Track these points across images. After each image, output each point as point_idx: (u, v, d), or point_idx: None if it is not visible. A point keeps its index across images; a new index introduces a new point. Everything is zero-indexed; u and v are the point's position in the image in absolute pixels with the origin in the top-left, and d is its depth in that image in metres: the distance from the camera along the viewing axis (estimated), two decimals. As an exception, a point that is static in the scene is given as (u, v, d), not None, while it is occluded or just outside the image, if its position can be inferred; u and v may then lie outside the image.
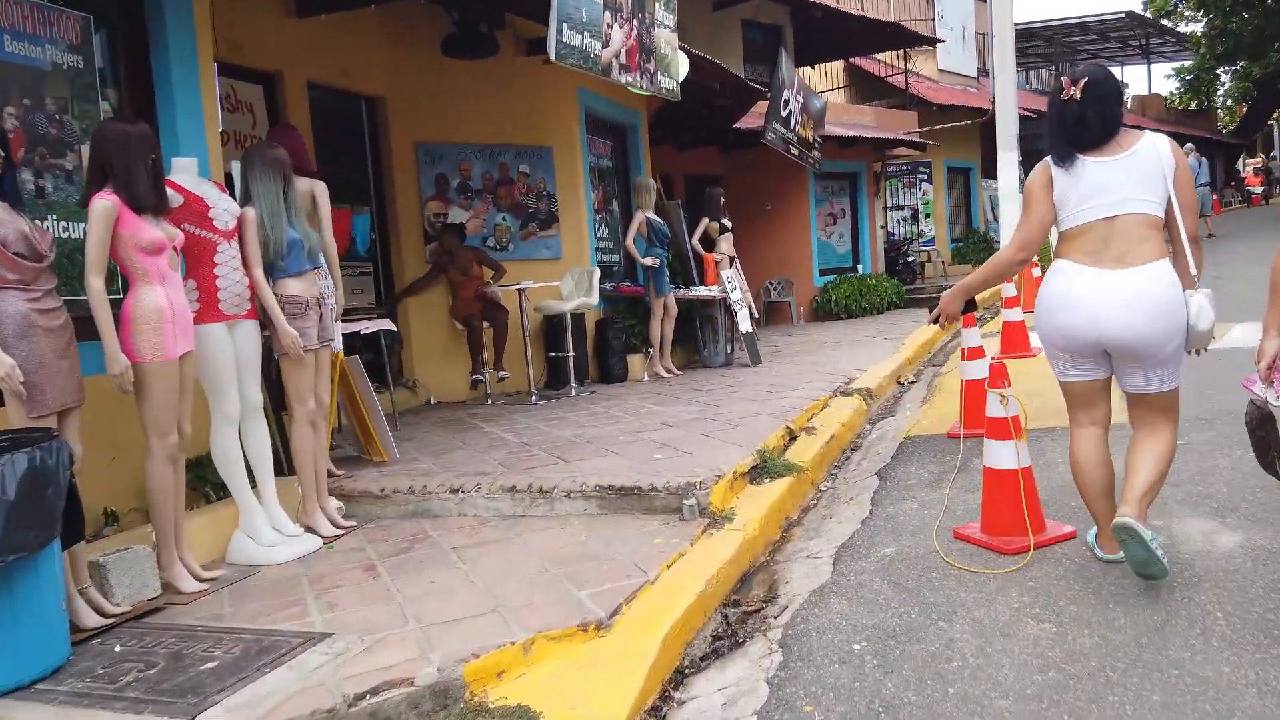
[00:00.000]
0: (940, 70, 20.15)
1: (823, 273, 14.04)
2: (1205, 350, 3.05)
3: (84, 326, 3.33)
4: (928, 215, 18.38)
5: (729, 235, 9.79)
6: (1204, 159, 18.83)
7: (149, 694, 2.62)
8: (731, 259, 9.72)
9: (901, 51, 17.66)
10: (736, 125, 11.30)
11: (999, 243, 15.64)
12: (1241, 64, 26.75)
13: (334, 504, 4.39)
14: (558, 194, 8.13)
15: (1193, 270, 3.01)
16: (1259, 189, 29.33)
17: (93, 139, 3.49)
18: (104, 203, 3.31)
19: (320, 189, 4.59)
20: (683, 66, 7.44)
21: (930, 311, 3.61)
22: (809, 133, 11.43)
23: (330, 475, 4.76)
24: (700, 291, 8.91)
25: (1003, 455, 3.44)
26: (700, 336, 9.11)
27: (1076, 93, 2.97)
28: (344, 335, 5.64)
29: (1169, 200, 2.98)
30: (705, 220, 9.74)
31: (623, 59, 6.35)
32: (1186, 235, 3.00)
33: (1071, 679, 2.45)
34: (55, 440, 2.89)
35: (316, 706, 2.50)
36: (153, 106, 4.44)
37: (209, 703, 2.52)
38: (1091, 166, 2.99)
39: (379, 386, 6.55)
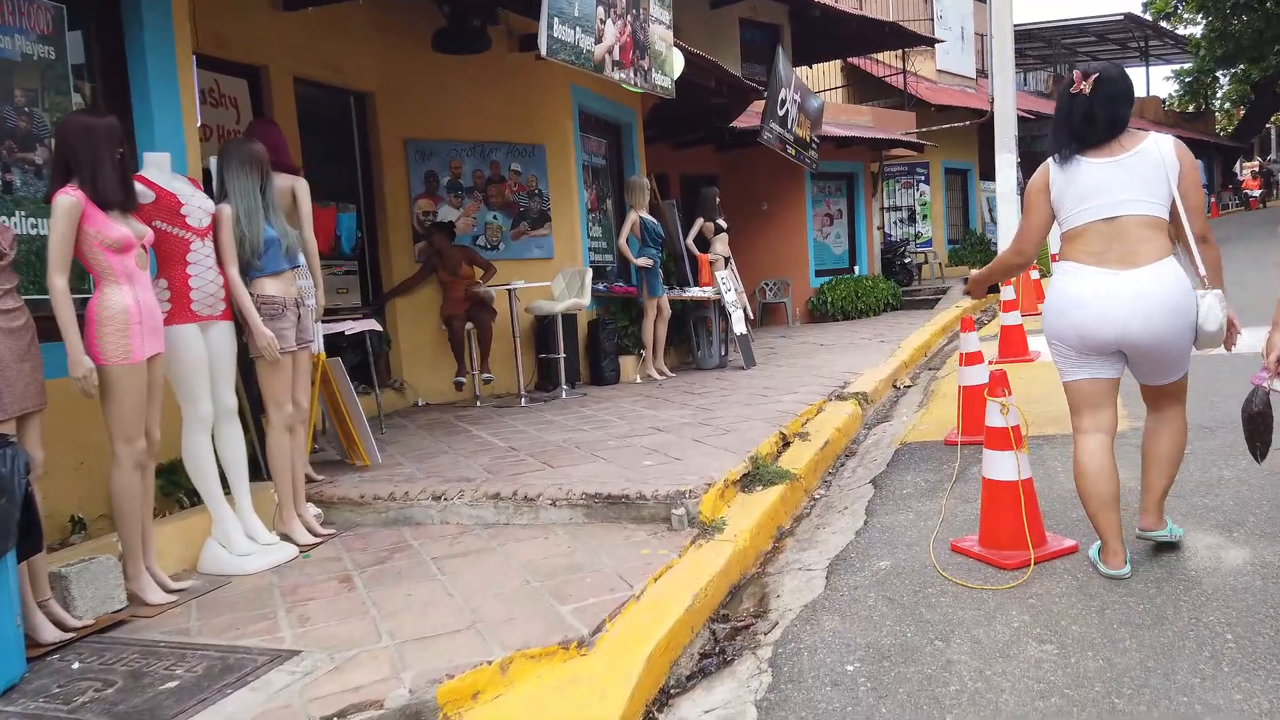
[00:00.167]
0: (939, 71, 20.05)
1: (819, 274, 13.93)
2: (1231, 348, 3.05)
3: (49, 327, 3.20)
4: (925, 216, 18.27)
5: (724, 236, 9.66)
6: (1200, 162, 18.73)
7: (104, 715, 2.49)
8: (727, 260, 9.59)
9: (900, 51, 17.55)
10: (733, 124, 11.18)
11: (996, 244, 15.56)
12: (1241, 67, 26.69)
13: (312, 511, 4.26)
14: (550, 193, 8.00)
15: (1201, 271, 2.96)
16: (1256, 192, 29.28)
17: (57, 132, 3.36)
18: (67, 198, 3.18)
19: (301, 186, 4.46)
20: (678, 64, 7.32)
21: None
22: (806, 132, 11.31)
23: (310, 480, 4.63)
24: (694, 292, 8.78)
25: (1002, 466, 3.31)
26: (694, 338, 8.98)
27: (1087, 88, 2.94)
28: (328, 336, 5.53)
29: (1173, 201, 2.93)
30: (700, 220, 9.62)
31: (616, 55, 6.22)
32: (1194, 236, 2.95)
33: (1075, 705, 2.33)
34: (10, 447, 2.76)
35: (279, 731, 2.37)
36: (128, 100, 4.31)
37: (166, 726, 2.40)
38: (1088, 167, 2.97)
39: (365, 388, 6.43)
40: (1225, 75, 29.32)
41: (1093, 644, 2.63)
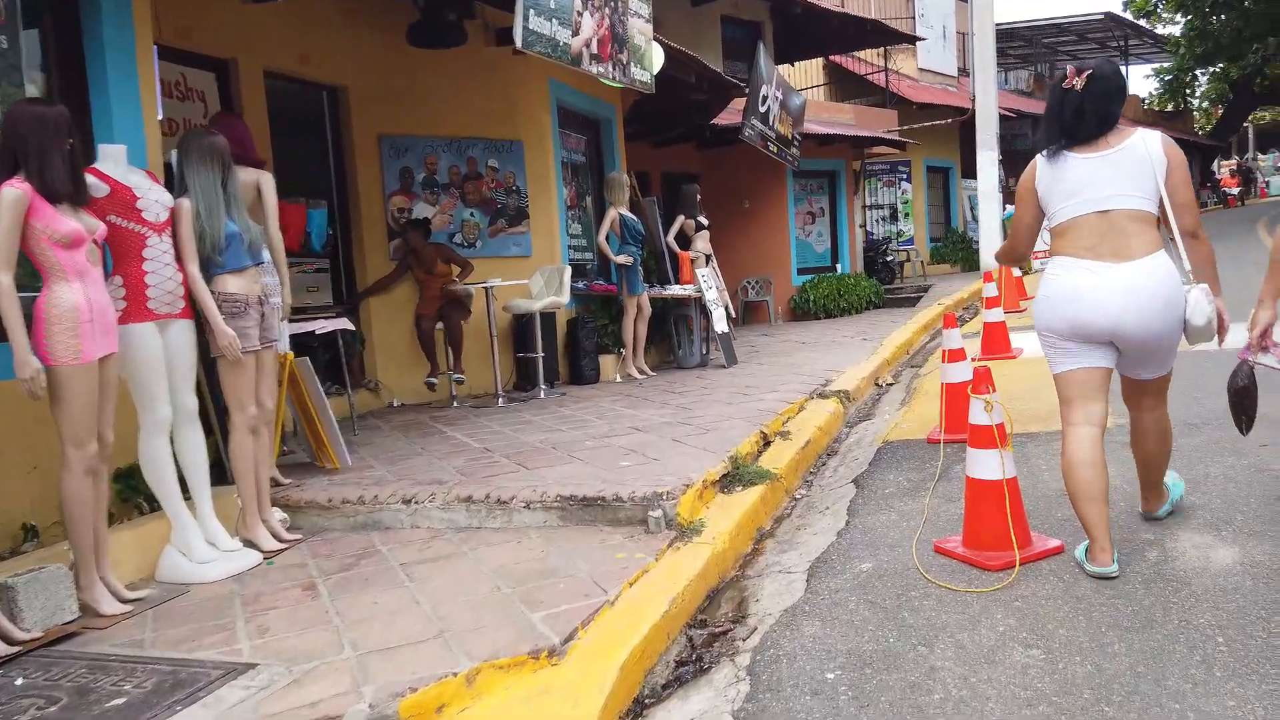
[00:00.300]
0: (920, 69, 20.06)
1: (801, 272, 13.86)
2: (1222, 342, 3.07)
3: (-6, 326, 3.06)
4: (907, 215, 18.25)
5: (705, 233, 9.56)
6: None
7: (45, 735, 2.36)
8: (708, 257, 9.49)
9: (881, 49, 17.53)
10: (714, 122, 11.08)
11: (977, 243, 15.56)
12: (1220, 65, 26.86)
13: (278, 515, 4.12)
14: (528, 189, 7.87)
15: (1186, 266, 2.97)
16: (1235, 190, 29.48)
17: (4, 121, 3.21)
18: (13, 191, 3.03)
19: (266, 180, 4.32)
20: (657, 58, 7.21)
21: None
22: (788, 130, 11.24)
23: (276, 484, 4.49)
24: (675, 290, 8.67)
25: (986, 465, 3.22)
26: (675, 337, 8.88)
27: (1079, 84, 2.95)
28: (298, 336, 5.39)
29: (1161, 197, 2.95)
30: (681, 217, 9.51)
31: (594, 48, 6.11)
32: (1183, 232, 2.96)
33: (1064, 714, 2.23)
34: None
35: (230, 750, 2.25)
36: (86, 93, 4.16)
37: (110, 746, 2.27)
38: (1075, 162, 2.99)
39: (338, 389, 6.29)
40: (1204, 74, 29.53)
41: (1080, 648, 2.54)
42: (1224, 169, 35.08)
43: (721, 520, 3.81)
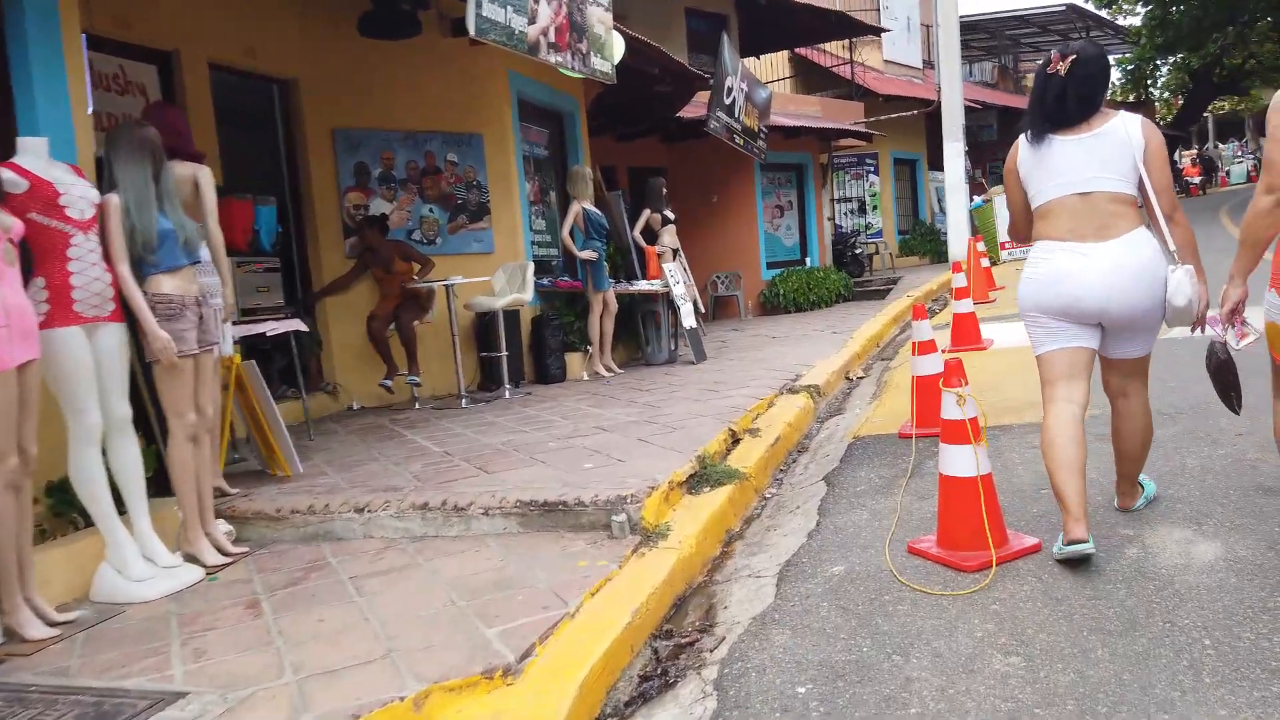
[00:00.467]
0: (885, 61, 20.03)
1: (770, 266, 13.76)
2: (1200, 327, 3.06)
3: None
4: (875, 207, 18.23)
5: (672, 227, 9.41)
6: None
7: (-51, 780, 2.16)
8: (675, 252, 9.34)
9: (847, 41, 17.46)
10: (680, 115, 10.92)
11: (945, 234, 15.55)
12: (1180, 55, 27.15)
13: (223, 528, 3.91)
14: (489, 184, 7.67)
15: (1171, 246, 2.98)
16: (1197, 179, 29.82)
17: (-93, 113, 2.98)
18: (-84, 187, 2.81)
19: (204, 174, 4.09)
20: (618, 48, 7.04)
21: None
22: (754, 122, 11.11)
23: (223, 494, 4.29)
24: (642, 286, 8.51)
25: (960, 461, 3.10)
26: (643, 333, 8.72)
27: (1063, 69, 2.97)
28: (249, 338, 5.17)
29: (1142, 179, 2.97)
30: (647, 211, 9.35)
31: (551, 37, 5.93)
32: (1161, 214, 2.97)
33: (1047, 727, 2.11)
34: None
35: (151, 792, 2.06)
36: (9, 85, 3.91)
37: (19, 791, 2.07)
38: (1058, 145, 3.02)
39: (294, 392, 6.07)
40: (1165, 65, 29.85)
41: (1062, 655, 2.42)
42: (1185, 158, 35.51)
43: (688, 523, 3.66)
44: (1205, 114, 38.51)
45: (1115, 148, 2.95)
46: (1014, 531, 3.22)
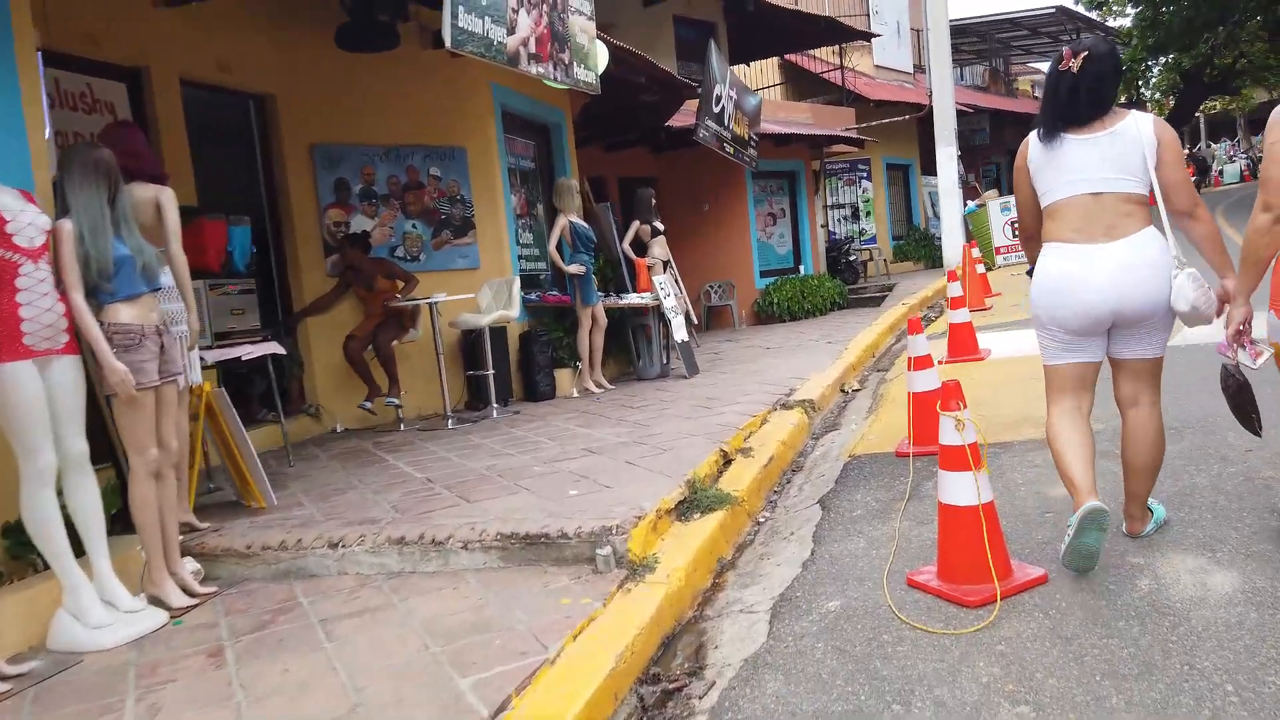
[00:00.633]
0: (876, 66, 19.95)
1: (764, 274, 13.61)
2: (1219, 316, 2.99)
3: None
4: (868, 213, 18.10)
5: (662, 238, 9.26)
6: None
7: None
8: (666, 263, 9.19)
9: (837, 47, 17.36)
10: (669, 124, 10.79)
11: (939, 239, 15.42)
12: (1171, 55, 27.10)
13: (190, 567, 3.73)
14: (473, 198, 7.51)
15: (1173, 251, 2.92)
16: (1191, 179, 29.78)
17: None
18: None
19: (166, 196, 3.91)
20: (602, 58, 6.88)
21: None
22: (744, 130, 10.96)
23: (193, 530, 4.11)
24: (631, 299, 8.35)
25: (960, 490, 2.93)
26: (634, 347, 8.55)
27: (1075, 65, 2.91)
28: (225, 363, 5.00)
29: (1152, 179, 2.92)
30: (636, 223, 9.20)
31: (532, 48, 5.77)
32: (1176, 212, 2.95)
33: (1061, 790, 1.94)
34: None
35: None
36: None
37: None
38: (1069, 144, 2.98)
39: (274, 416, 5.89)
40: (1156, 65, 29.79)
41: (1074, 703, 2.25)
42: (1178, 159, 35.47)
43: (677, 554, 3.49)
44: (1197, 114, 38.50)
45: (1129, 146, 2.90)
46: (1018, 561, 3.06)
